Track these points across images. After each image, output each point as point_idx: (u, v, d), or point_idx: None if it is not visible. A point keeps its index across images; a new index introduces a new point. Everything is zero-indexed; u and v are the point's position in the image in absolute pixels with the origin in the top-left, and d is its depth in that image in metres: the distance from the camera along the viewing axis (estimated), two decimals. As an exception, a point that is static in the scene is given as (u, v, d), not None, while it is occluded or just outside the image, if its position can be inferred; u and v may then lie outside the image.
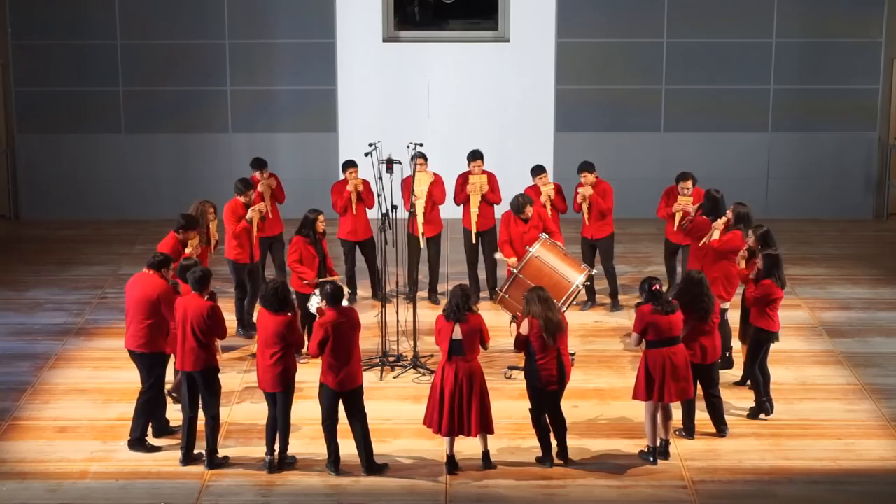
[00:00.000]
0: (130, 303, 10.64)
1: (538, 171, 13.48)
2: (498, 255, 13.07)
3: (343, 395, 10.10)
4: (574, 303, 12.41)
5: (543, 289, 10.35)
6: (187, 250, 11.73)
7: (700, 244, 12.08)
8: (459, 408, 10.02)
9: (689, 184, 13.13)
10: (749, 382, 11.54)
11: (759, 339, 11.13)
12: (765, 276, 10.96)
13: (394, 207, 12.47)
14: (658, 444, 10.43)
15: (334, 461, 10.22)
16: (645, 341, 10.34)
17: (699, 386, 10.73)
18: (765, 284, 10.94)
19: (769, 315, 11.03)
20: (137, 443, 10.57)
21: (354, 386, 10.11)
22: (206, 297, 10.22)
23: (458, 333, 10.00)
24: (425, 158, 13.31)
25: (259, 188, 13.34)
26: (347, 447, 10.24)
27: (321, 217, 12.31)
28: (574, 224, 13.84)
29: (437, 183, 13.58)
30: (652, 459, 10.39)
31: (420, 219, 13.49)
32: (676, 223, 13.14)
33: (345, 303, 10.57)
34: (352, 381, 10.08)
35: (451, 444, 10.20)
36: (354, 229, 13.70)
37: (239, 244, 12.80)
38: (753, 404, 11.22)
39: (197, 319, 10.09)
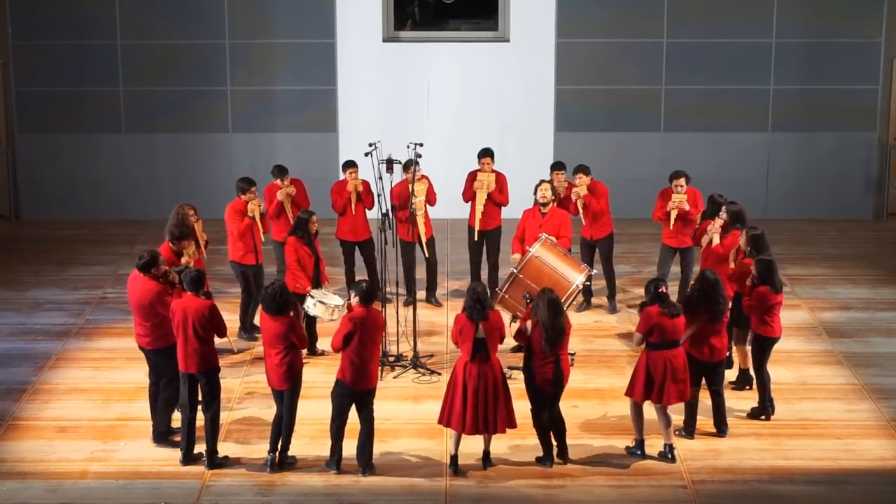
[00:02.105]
0: (131, 303, 10.69)
1: (556, 167, 13.58)
2: (515, 257, 12.96)
3: (357, 394, 10.11)
4: (573, 303, 12.42)
5: (554, 291, 10.35)
6: (183, 259, 11.64)
7: (702, 250, 12.08)
8: (485, 405, 10.04)
9: (683, 181, 13.13)
10: (750, 385, 11.57)
11: (762, 346, 11.13)
12: (759, 282, 10.94)
13: (393, 207, 12.45)
14: (649, 440, 10.45)
15: (336, 460, 10.22)
16: (646, 342, 10.35)
17: (704, 383, 10.74)
18: (759, 293, 10.91)
19: (768, 322, 11.02)
20: (163, 436, 10.60)
21: (370, 387, 10.14)
22: (202, 297, 10.23)
23: (481, 332, 10.03)
24: (418, 165, 13.31)
25: (279, 196, 13.22)
26: (348, 447, 10.24)
27: (314, 218, 12.31)
28: (574, 225, 13.82)
29: (429, 188, 13.57)
30: (640, 453, 10.41)
31: (422, 227, 13.44)
32: (672, 221, 13.15)
33: (340, 302, 10.55)
34: (368, 381, 10.11)
35: (458, 443, 10.21)
36: (354, 229, 13.68)
37: (243, 244, 12.77)
38: (756, 405, 11.22)
39: (199, 319, 10.10)
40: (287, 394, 10.19)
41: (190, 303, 10.19)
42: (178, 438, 10.60)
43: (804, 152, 17.35)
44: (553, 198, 12.92)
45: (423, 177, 13.44)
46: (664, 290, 10.30)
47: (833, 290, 14.59)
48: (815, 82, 17.15)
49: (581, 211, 13.44)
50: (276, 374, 10.13)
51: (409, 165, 13.08)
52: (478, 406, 10.04)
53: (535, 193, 12.93)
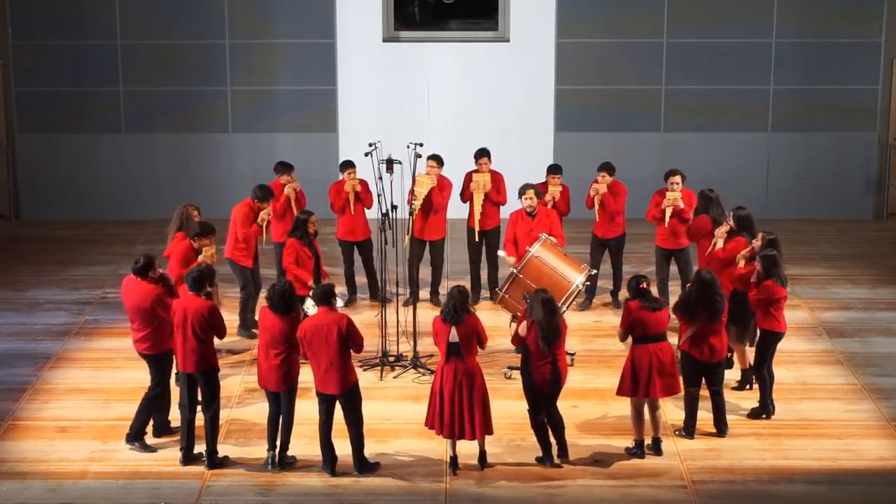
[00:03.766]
0: (128, 309, 10.66)
1: (553, 170, 13.56)
2: (501, 254, 13.10)
3: (327, 397, 10.09)
4: (573, 303, 12.43)
5: (547, 291, 10.35)
6: (200, 258, 11.63)
7: (706, 253, 12.07)
8: (461, 410, 10.01)
9: (678, 179, 13.17)
10: (751, 385, 11.58)
11: (767, 341, 11.14)
12: (765, 277, 10.96)
13: (394, 207, 12.46)
14: (649, 440, 10.47)
15: (329, 463, 10.21)
16: (632, 338, 10.37)
17: (704, 384, 10.75)
18: (766, 286, 10.94)
19: (774, 316, 11.03)
20: (134, 437, 10.59)
21: (333, 391, 10.03)
22: (203, 297, 10.23)
23: (454, 336, 9.98)
24: (439, 162, 13.34)
25: (286, 191, 13.28)
26: (349, 447, 10.24)
27: (312, 218, 12.30)
28: (585, 223, 13.85)
29: (440, 188, 13.49)
30: (640, 454, 10.42)
31: (410, 220, 13.37)
32: (667, 219, 13.16)
33: (339, 303, 10.52)
34: (333, 385, 10.02)
35: (454, 445, 10.20)
36: (353, 229, 13.69)
37: (246, 246, 12.80)
38: (756, 404, 11.22)
39: (198, 319, 10.09)
40: (284, 395, 10.19)
41: (190, 303, 10.18)
42: (161, 441, 10.67)
43: (804, 152, 17.35)
44: (541, 201, 12.91)
45: (442, 181, 13.46)
46: (645, 287, 10.32)
47: (833, 290, 14.59)
48: (815, 82, 17.15)
49: (597, 207, 13.46)
50: (275, 374, 10.11)
51: (428, 158, 13.12)
52: (454, 410, 10.01)
53: (521, 199, 12.90)
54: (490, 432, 10.19)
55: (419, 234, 13.53)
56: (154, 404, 10.63)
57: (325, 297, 10.05)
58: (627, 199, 13.62)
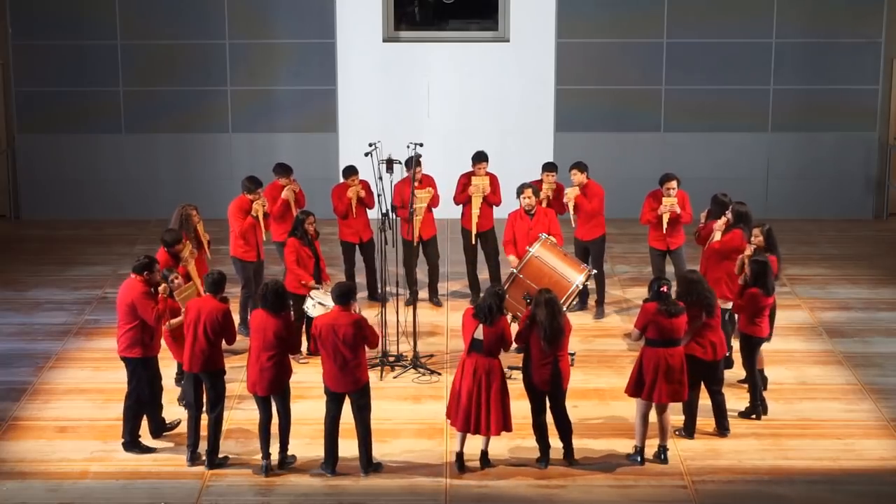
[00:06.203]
0: (117, 308, 10.67)
1: (548, 168, 13.51)
2: (511, 259, 12.95)
3: (338, 396, 10.10)
4: (573, 303, 12.42)
5: (551, 291, 10.35)
6: (182, 264, 11.60)
7: (706, 246, 12.07)
8: (478, 404, 10.03)
9: (674, 184, 13.11)
10: (765, 386, 11.58)
11: (749, 345, 11.15)
12: (752, 283, 10.95)
13: (394, 208, 12.46)
14: (651, 446, 10.45)
15: (331, 463, 10.20)
16: (644, 338, 10.37)
17: (703, 383, 10.75)
18: (750, 294, 10.93)
19: (757, 323, 11.03)
20: (131, 445, 10.58)
21: (348, 389, 10.07)
22: (219, 300, 10.23)
23: (479, 333, 10.02)
24: (419, 164, 13.36)
25: (283, 194, 13.23)
26: (349, 447, 10.24)
27: (311, 218, 12.30)
28: (569, 224, 13.83)
29: (433, 196, 13.56)
30: (640, 460, 10.41)
31: (416, 227, 13.41)
32: (665, 225, 13.13)
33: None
34: (345, 383, 10.04)
35: (463, 441, 10.20)
36: (357, 230, 13.69)
37: (245, 242, 12.79)
38: (749, 405, 11.24)
39: (212, 321, 10.12)
40: (278, 398, 10.19)
41: (206, 303, 10.20)
42: (160, 441, 10.68)
43: (804, 152, 17.35)
44: (538, 200, 12.89)
45: (430, 184, 13.45)
46: (666, 290, 10.31)
47: (833, 290, 14.59)
48: (815, 82, 17.15)
49: (571, 211, 13.40)
50: (267, 378, 10.08)
51: (410, 164, 13.06)
52: (470, 404, 10.03)
53: (519, 198, 12.86)
54: (508, 429, 10.19)
55: (412, 237, 13.48)
56: (136, 410, 10.58)
57: (343, 297, 10.06)
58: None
